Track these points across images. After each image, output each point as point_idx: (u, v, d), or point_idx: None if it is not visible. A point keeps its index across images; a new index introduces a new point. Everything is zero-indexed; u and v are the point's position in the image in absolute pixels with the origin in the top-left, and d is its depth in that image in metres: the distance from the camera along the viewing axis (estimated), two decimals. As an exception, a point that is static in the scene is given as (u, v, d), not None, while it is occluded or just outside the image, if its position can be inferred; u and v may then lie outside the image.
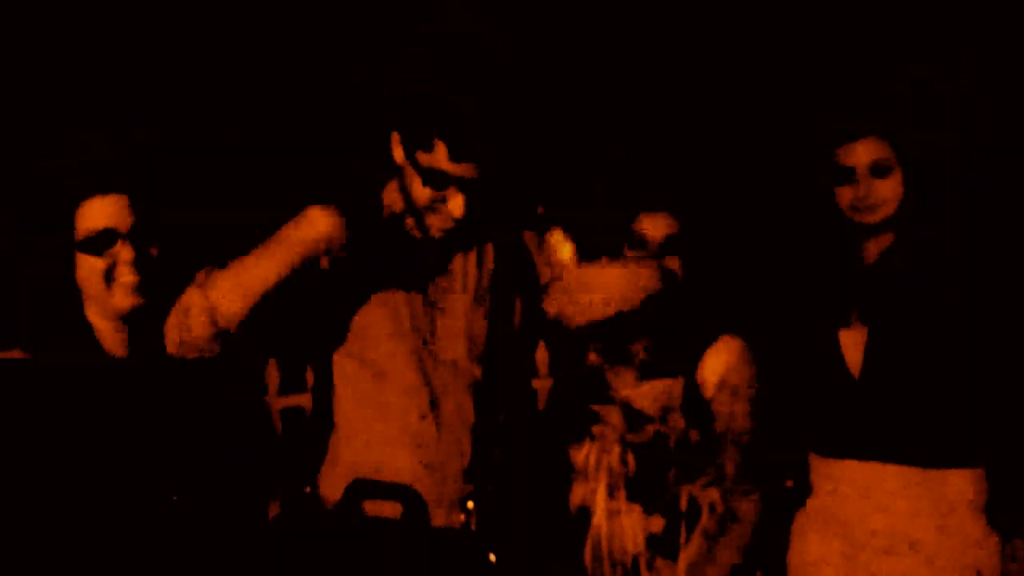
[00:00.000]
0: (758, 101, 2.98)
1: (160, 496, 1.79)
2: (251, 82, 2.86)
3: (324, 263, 1.82)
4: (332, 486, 1.89)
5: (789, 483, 2.13)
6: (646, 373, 2.06)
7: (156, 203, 1.93)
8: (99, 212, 1.85)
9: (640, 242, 2.07)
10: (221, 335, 1.77)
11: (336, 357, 1.94)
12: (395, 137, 1.94)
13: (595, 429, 2.05)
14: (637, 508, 1.99)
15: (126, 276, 1.84)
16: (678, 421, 2.02)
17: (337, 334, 1.94)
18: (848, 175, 2.06)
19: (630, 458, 2.01)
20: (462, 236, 1.97)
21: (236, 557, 1.83)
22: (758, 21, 2.97)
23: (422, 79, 2.28)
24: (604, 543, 2.00)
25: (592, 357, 2.10)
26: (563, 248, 2.02)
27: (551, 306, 1.98)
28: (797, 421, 2.10)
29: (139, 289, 1.83)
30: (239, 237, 1.98)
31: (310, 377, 1.99)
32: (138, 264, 1.84)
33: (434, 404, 1.92)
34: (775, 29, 2.96)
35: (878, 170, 2.04)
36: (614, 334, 2.01)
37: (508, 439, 2.00)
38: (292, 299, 1.81)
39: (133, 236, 1.85)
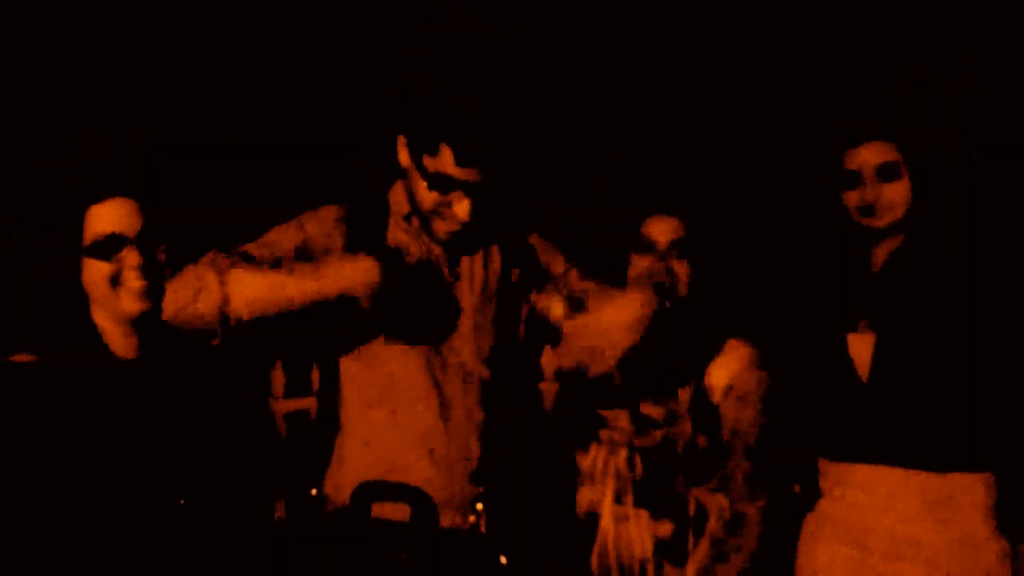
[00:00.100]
0: (761, 102, 2.98)
1: (166, 498, 1.79)
2: (251, 82, 2.86)
3: (357, 307, 1.82)
4: (339, 488, 1.89)
5: (797, 488, 2.12)
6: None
7: (157, 203, 1.93)
8: (106, 216, 1.85)
9: (647, 246, 2.07)
10: (224, 323, 1.77)
11: (342, 359, 1.94)
12: (401, 141, 1.94)
13: (602, 433, 2.04)
14: (645, 513, 1.99)
15: (133, 281, 1.84)
16: (686, 426, 2.02)
17: (343, 333, 1.93)
18: (855, 179, 2.06)
19: (637, 463, 2.01)
20: (468, 238, 1.97)
21: (241, 559, 1.83)
22: (759, 21, 2.97)
23: (422, 79, 2.28)
24: (611, 548, 1.99)
25: None
26: (555, 307, 2.02)
27: (568, 360, 1.98)
28: (805, 425, 2.09)
29: (146, 294, 1.83)
30: (239, 237, 1.98)
31: (315, 380, 1.99)
32: (145, 269, 1.84)
33: (442, 405, 1.92)
34: (776, 29, 2.96)
35: (885, 173, 2.04)
36: (634, 362, 2.00)
37: (515, 442, 2.00)
38: (307, 320, 1.81)
39: (140, 241, 1.85)
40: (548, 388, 2.21)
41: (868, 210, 2.04)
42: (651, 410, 2.03)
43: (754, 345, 2.08)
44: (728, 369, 2.04)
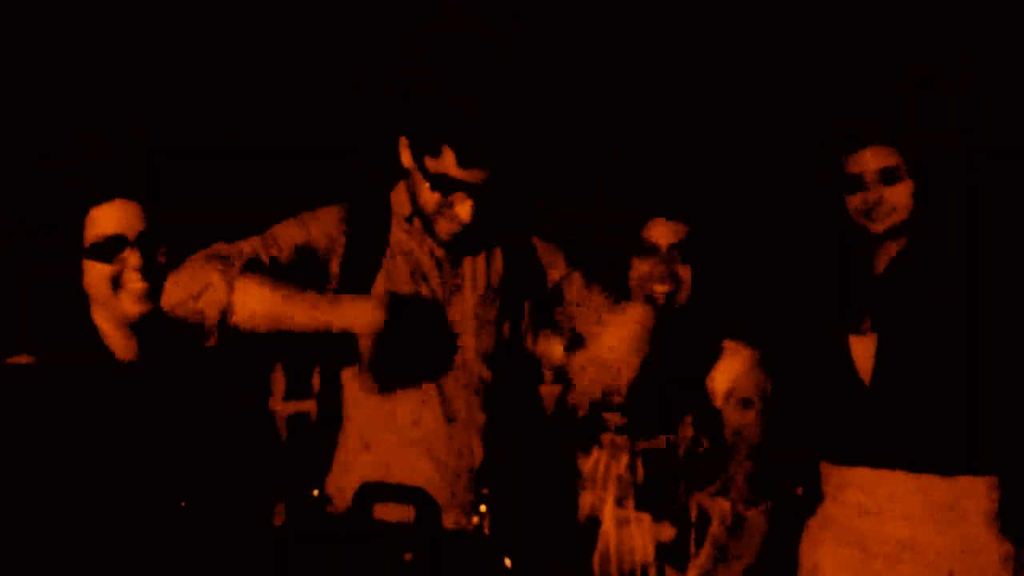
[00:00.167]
0: (760, 101, 2.98)
1: (167, 500, 1.79)
2: (251, 82, 2.86)
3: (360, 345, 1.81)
4: (341, 489, 1.88)
5: (799, 491, 2.12)
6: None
7: (157, 204, 1.93)
8: (108, 218, 1.85)
9: (649, 249, 2.06)
10: (223, 325, 1.77)
11: (346, 357, 1.94)
12: (403, 142, 1.93)
13: (604, 437, 2.04)
14: (646, 517, 1.98)
15: (134, 283, 1.84)
16: (688, 429, 2.02)
17: (345, 338, 1.93)
18: (857, 182, 2.06)
19: (639, 466, 2.01)
20: (471, 239, 1.96)
21: (242, 561, 1.83)
22: (759, 21, 2.97)
23: (422, 79, 2.28)
24: (613, 552, 1.99)
25: None
26: (555, 350, 2.02)
27: (578, 396, 1.98)
28: (808, 429, 2.09)
29: (147, 296, 1.83)
30: (239, 237, 1.98)
31: (316, 382, 1.98)
32: (146, 271, 1.84)
33: (444, 406, 1.92)
34: (776, 29, 2.96)
35: (887, 177, 2.04)
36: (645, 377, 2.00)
37: (517, 444, 1.99)
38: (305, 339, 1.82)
39: (142, 242, 1.85)
40: (549, 391, 2.22)
41: (870, 213, 2.04)
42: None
43: (756, 348, 2.07)
44: (730, 372, 2.03)
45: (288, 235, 1.91)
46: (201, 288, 1.75)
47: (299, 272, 1.88)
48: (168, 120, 2.76)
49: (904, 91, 2.54)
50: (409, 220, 2.00)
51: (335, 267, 1.93)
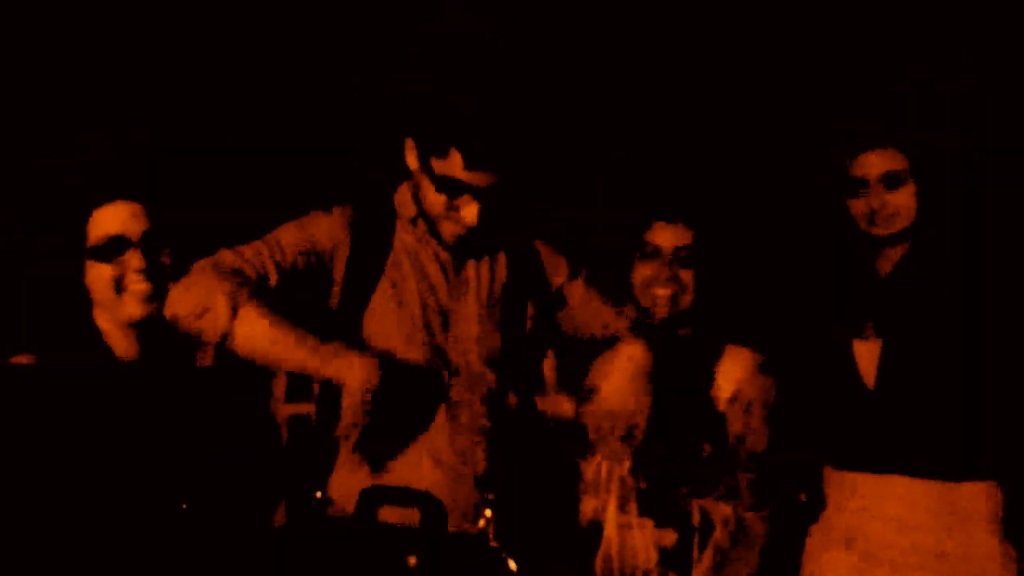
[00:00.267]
0: (760, 101, 2.98)
1: (168, 501, 1.79)
2: (251, 82, 2.86)
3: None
4: (344, 492, 1.88)
5: (803, 497, 2.12)
6: None
7: (157, 204, 1.93)
8: (110, 219, 1.85)
9: (652, 253, 2.06)
10: (222, 347, 1.77)
11: None
12: (409, 143, 1.93)
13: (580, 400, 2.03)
14: (649, 522, 1.97)
15: (137, 284, 1.83)
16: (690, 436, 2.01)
17: (347, 335, 1.92)
18: (861, 186, 2.05)
19: (641, 471, 2.00)
20: (475, 242, 1.96)
21: (244, 564, 1.83)
22: (758, 20, 2.97)
23: (422, 79, 2.28)
24: (615, 557, 1.98)
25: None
26: (565, 409, 2.01)
27: (614, 437, 1.96)
28: (811, 434, 2.09)
29: (150, 297, 1.83)
30: (240, 237, 1.98)
31: (316, 385, 1.97)
32: (149, 272, 1.83)
33: (448, 410, 1.91)
34: (776, 29, 2.96)
35: (891, 181, 2.03)
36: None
37: (520, 448, 1.99)
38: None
39: (144, 244, 1.85)
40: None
41: (874, 218, 2.04)
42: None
43: (759, 352, 2.07)
44: (733, 376, 2.03)
45: (293, 240, 1.90)
46: (205, 308, 1.75)
47: (305, 279, 1.88)
48: (168, 120, 2.76)
49: (904, 91, 2.54)
50: (413, 222, 1.99)
51: (340, 269, 1.92)
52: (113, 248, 1.84)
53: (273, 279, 1.85)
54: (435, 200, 1.88)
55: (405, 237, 1.99)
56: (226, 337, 1.75)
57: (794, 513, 2.08)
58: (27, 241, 1.96)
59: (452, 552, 1.83)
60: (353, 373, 1.73)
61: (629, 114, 3.03)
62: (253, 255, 1.85)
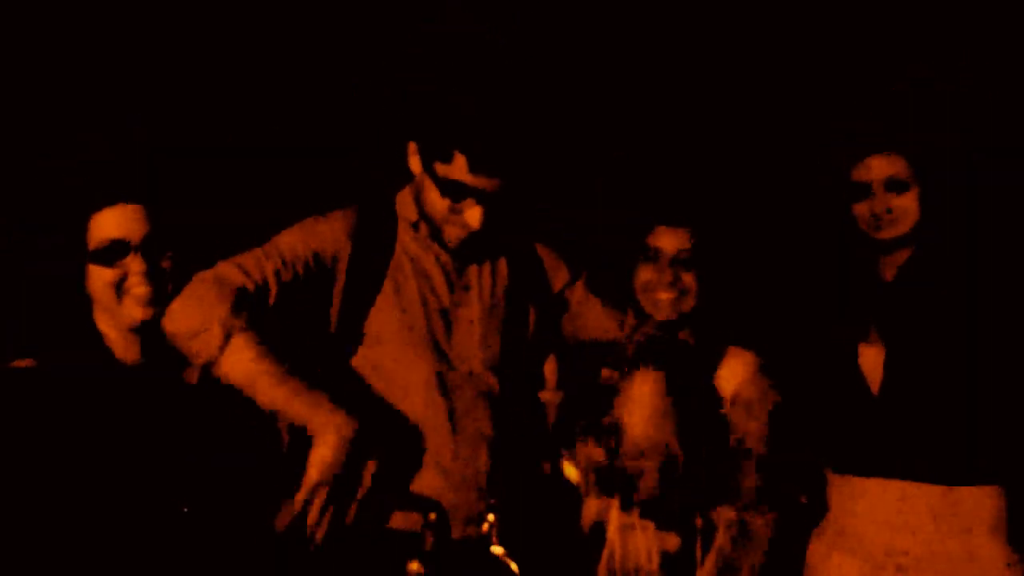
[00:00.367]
0: (760, 101, 2.98)
1: (169, 503, 1.79)
2: (251, 82, 2.86)
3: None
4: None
5: (804, 499, 2.11)
6: None
7: (157, 204, 1.93)
8: (111, 222, 1.84)
9: (654, 256, 2.06)
10: (208, 371, 1.78)
11: (351, 362, 1.93)
12: (411, 147, 1.92)
13: (587, 425, 2.03)
14: (651, 525, 1.96)
15: (138, 287, 1.83)
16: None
17: (350, 339, 1.92)
18: (864, 191, 2.05)
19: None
20: (478, 245, 1.95)
21: (244, 565, 1.82)
22: (758, 20, 2.97)
23: (422, 79, 2.28)
24: (618, 560, 1.97)
25: (606, 372, 2.09)
26: (596, 456, 2.01)
27: (652, 468, 1.95)
28: (814, 437, 2.08)
29: (150, 301, 1.83)
30: (239, 238, 1.98)
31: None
32: (150, 276, 1.83)
33: (450, 413, 1.90)
34: (776, 29, 2.96)
35: (894, 186, 2.03)
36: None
37: (523, 451, 1.99)
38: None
39: (145, 247, 1.84)
40: (551, 398, 2.21)
41: (877, 222, 2.03)
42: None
43: (763, 355, 2.06)
44: (734, 378, 2.02)
45: (296, 246, 1.90)
46: (199, 330, 1.75)
47: (306, 285, 1.87)
48: (168, 120, 2.76)
49: (904, 91, 2.54)
50: (415, 226, 1.99)
51: (342, 272, 1.92)
52: (114, 252, 1.84)
53: (273, 291, 1.85)
54: (438, 204, 1.87)
55: (407, 241, 1.98)
56: (213, 363, 1.75)
57: (796, 515, 2.08)
58: (27, 241, 1.95)
59: (455, 557, 1.82)
60: (327, 426, 1.71)
61: (629, 114, 3.03)
62: (255, 267, 1.84)
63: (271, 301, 1.84)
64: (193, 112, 2.79)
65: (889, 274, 2.08)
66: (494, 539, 1.80)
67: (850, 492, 2.04)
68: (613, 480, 1.96)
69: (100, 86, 2.71)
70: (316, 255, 1.90)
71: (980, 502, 1.95)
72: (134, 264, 1.83)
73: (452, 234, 1.92)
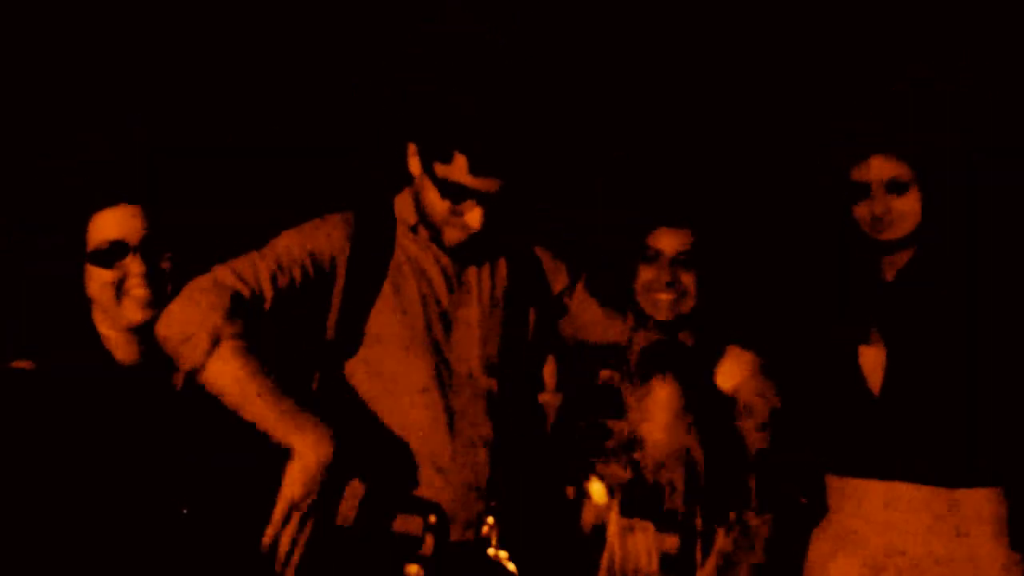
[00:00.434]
0: (760, 101, 2.98)
1: (168, 505, 1.79)
2: (251, 82, 2.86)
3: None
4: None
5: (804, 500, 2.11)
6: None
7: (157, 204, 1.93)
8: (110, 224, 1.84)
9: (654, 256, 2.06)
10: (193, 377, 1.77)
11: (348, 365, 1.92)
12: (411, 149, 1.92)
13: (608, 445, 2.03)
14: (650, 526, 1.96)
15: (137, 289, 1.83)
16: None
17: (349, 342, 1.92)
18: (864, 192, 2.05)
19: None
20: (478, 247, 1.95)
21: (243, 567, 1.82)
22: (759, 20, 2.97)
23: (422, 79, 2.28)
24: (618, 562, 1.97)
25: (604, 373, 2.09)
26: (620, 475, 2.00)
27: (677, 478, 1.95)
28: (815, 438, 2.08)
29: (150, 303, 1.82)
30: (239, 238, 1.98)
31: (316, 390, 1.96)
32: (149, 277, 1.83)
33: (450, 417, 1.90)
34: (776, 29, 2.96)
35: (894, 187, 2.02)
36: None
37: (522, 453, 1.98)
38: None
39: (144, 248, 1.84)
40: (551, 400, 2.21)
41: (877, 224, 2.03)
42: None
43: (761, 354, 2.06)
44: (732, 377, 2.02)
45: (293, 250, 1.89)
46: (187, 336, 1.74)
47: (304, 290, 1.87)
48: (168, 120, 2.76)
49: (904, 91, 2.53)
50: (414, 229, 1.98)
51: (341, 275, 1.91)
52: (113, 253, 1.84)
53: (269, 298, 1.83)
54: (438, 205, 1.87)
55: (406, 243, 1.98)
56: (198, 370, 1.74)
57: (795, 516, 2.08)
58: (27, 241, 1.95)
59: (454, 560, 1.82)
60: (305, 446, 1.68)
61: (629, 114, 3.03)
62: (250, 272, 1.83)
63: (267, 306, 1.83)
64: (193, 112, 2.79)
65: (890, 275, 2.08)
66: (493, 542, 1.79)
67: (850, 494, 2.04)
68: (638, 496, 1.96)
69: (100, 86, 2.71)
70: (314, 258, 1.89)
71: (981, 504, 1.95)
72: (133, 265, 1.83)
73: (452, 235, 1.91)
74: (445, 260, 1.99)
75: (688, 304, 2.04)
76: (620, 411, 2.04)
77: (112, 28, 2.72)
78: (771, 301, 2.32)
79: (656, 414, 1.89)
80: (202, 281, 1.80)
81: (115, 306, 1.84)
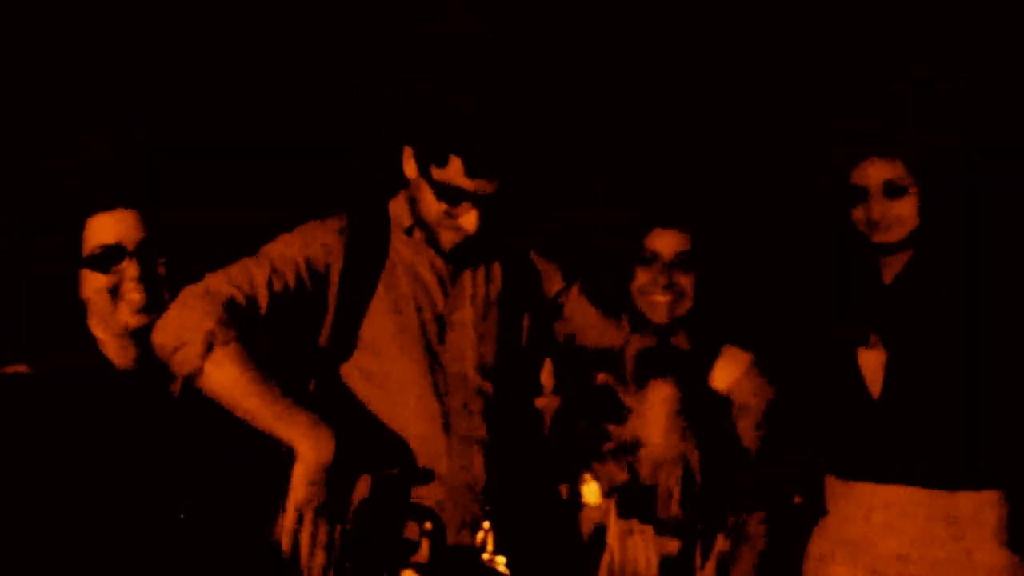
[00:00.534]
0: (760, 101, 2.98)
1: (165, 509, 1.78)
2: (251, 82, 2.86)
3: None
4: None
5: (799, 499, 2.11)
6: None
7: (157, 203, 1.93)
8: (106, 227, 1.84)
9: (651, 258, 2.06)
10: (187, 380, 1.77)
11: (343, 369, 1.92)
12: (407, 152, 1.92)
13: (606, 447, 2.03)
14: (650, 529, 1.96)
15: (132, 293, 1.83)
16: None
17: (344, 346, 1.92)
18: (861, 194, 2.04)
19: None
20: (473, 250, 1.95)
21: (240, 572, 1.82)
22: (759, 20, 2.97)
23: (422, 79, 2.28)
24: (617, 566, 1.97)
25: (601, 376, 2.08)
26: (618, 476, 2.00)
27: (672, 480, 1.94)
28: (814, 441, 2.07)
29: (145, 307, 1.82)
30: (238, 238, 1.98)
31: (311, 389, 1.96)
32: (145, 281, 1.82)
33: (444, 419, 1.90)
34: (776, 29, 2.96)
35: (892, 190, 2.02)
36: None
37: (519, 457, 1.98)
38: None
39: (140, 253, 1.84)
40: (548, 404, 2.20)
41: (873, 226, 2.03)
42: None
43: (760, 356, 2.06)
44: (727, 376, 2.02)
45: (287, 255, 1.88)
46: (182, 342, 1.73)
47: (298, 295, 1.86)
48: (168, 120, 2.76)
49: (904, 91, 2.53)
50: (409, 232, 1.98)
51: (335, 279, 1.91)
52: (109, 257, 1.83)
53: (263, 304, 1.83)
54: (433, 207, 1.87)
55: (400, 247, 1.98)
56: (195, 375, 1.74)
57: (792, 517, 2.07)
58: (27, 241, 1.95)
59: (450, 564, 1.81)
60: (307, 446, 1.68)
61: (629, 115, 3.03)
62: (244, 278, 1.82)
63: (262, 312, 1.83)
64: (193, 112, 2.79)
65: (889, 277, 2.07)
66: (489, 546, 1.79)
67: (850, 496, 2.04)
68: (635, 499, 1.95)
69: (100, 86, 2.71)
70: (308, 263, 1.89)
71: (980, 507, 1.95)
72: (129, 270, 1.83)
73: (447, 238, 1.91)
74: (439, 263, 1.98)
75: (685, 307, 2.04)
76: (619, 413, 2.04)
77: (112, 28, 2.72)
78: (771, 303, 2.32)
79: (652, 419, 1.88)
80: (196, 288, 1.80)
81: (111, 310, 1.84)
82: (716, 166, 2.93)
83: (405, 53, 2.91)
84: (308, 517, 1.67)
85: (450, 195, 1.84)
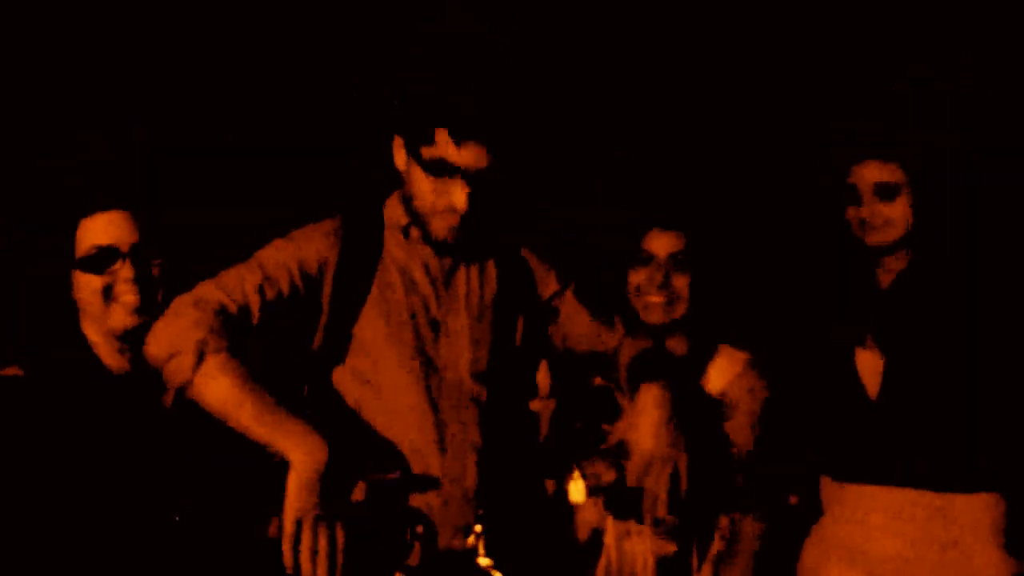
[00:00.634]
0: (760, 101, 2.98)
1: (160, 512, 1.78)
2: (251, 82, 2.86)
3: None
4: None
5: (794, 500, 2.11)
6: None
7: (156, 203, 1.93)
8: (99, 229, 1.83)
9: (647, 259, 2.06)
10: (180, 390, 1.76)
11: (336, 373, 1.92)
12: (397, 141, 1.92)
13: (600, 448, 2.02)
14: (647, 531, 1.96)
15: (126, 295, 1.82)
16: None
17: (337, 349, 1.91)
18: (854, 195, 2.04)
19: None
20: (467, 240, 1.94)
21: (238, 571, 1.82)
22: (759, 20, 2.97)
23: (422, 79, 2.27)
24: (614, 567, 1.96)
25: (598, 379, 2.08)
26: (606, 476, 1.99)
27: (661, 483, 1.93)
28: (811, 442, 2.07)
29: (139, 309, 1.82)
30: (237, 238, 1.98)
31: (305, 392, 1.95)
32: (138, 283, 1.82)
33: (438, 424, 1.89)
34: (776, 29, 2.96)
35: (884, 192, 2.01)
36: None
37: (513, 459, 1.97)
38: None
39: (134, 254, 1.83)
40: (543, 407, 2.20)
41: (864, 227, 2.03)
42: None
43: (758, 358, 2.06)
44: (723, 375, 2.02)
45: (280, 259, 1.87)
46: (173, 352, 1.73)
47: (292, 301, 1.86)
48: (168, 120, 2.76)
49: (904, 91, 2.53)
50: (404, 231, 1.97)
51: (329, 281, 1.90)
52: (102, 259, 1.83)
53: (255, 312, 1.81)
54: (425, 187, 1.85)
55: (394, 249, 1.97)
56: (187, 386, 1.73)
57: (787, 518, 2.07)
58: (27, 241, 1.95)
59: (442, 569, 1.81)
60: (299, 456, 1.67)
61: (629, 114, 3.03)
62: (236, 286, 1.81)
63: (255, 319, 1.82)
64: (193, 112, 2.79)
65: (887, 278, 2.07)
66: (481, 550, 1.78)
67: (846, 498, 2.04)
68: (623, 500, 1.95)
69: (100, 86, 2.72)
70: (301, 267, 1.88)
71: (978, 509, 1.95)
72: (123, 271, 1.82)
73: (440, 225, 1.89)
74: (434, 264, 1.97)
75: (680, 308, 2.04)
76: (615, 414, 2.04)
77: (112, 28, 2.72)
78: (768, 304, 2.32)
79: (642, 421, 1.88)
80: (187, 297, 1.79)
81: (104, 312, 1.83)
82: (716, 166, 2.93)
83: (405, 53, 2.91)
84: (307, 525, 1.66)
85: (440, 170, 1.83)
